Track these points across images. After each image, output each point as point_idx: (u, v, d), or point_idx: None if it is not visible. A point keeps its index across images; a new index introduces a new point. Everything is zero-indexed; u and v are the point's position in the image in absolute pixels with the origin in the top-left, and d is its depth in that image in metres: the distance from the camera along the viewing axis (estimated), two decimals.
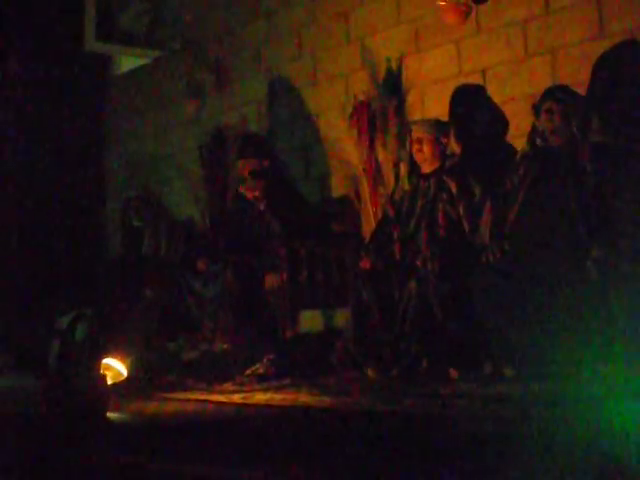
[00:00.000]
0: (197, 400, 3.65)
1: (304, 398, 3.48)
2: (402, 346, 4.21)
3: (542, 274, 3.79)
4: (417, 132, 4.51)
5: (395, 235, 4.49)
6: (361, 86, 5.26)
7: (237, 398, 3.64)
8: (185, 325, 5.03)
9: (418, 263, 4.23)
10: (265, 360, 4.35)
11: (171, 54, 6.72)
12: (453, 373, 4.09)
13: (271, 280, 4.75)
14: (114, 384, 3.36)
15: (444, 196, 4.38)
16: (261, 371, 4.29)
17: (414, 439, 2.45)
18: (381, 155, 5.09)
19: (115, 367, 3.37)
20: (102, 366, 3.16)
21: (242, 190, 4.88)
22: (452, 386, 3.77)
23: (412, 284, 4.18)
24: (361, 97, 5.04)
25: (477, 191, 4.34)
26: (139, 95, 7.03)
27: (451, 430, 2.57)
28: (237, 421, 3.07)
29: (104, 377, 3.10)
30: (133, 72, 7.19)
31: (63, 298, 5.81)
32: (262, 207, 4.84)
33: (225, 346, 4.66)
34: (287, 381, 4.14)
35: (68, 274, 6.67)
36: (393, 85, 5.04)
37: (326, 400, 3.38)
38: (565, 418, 2.67)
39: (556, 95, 3.97)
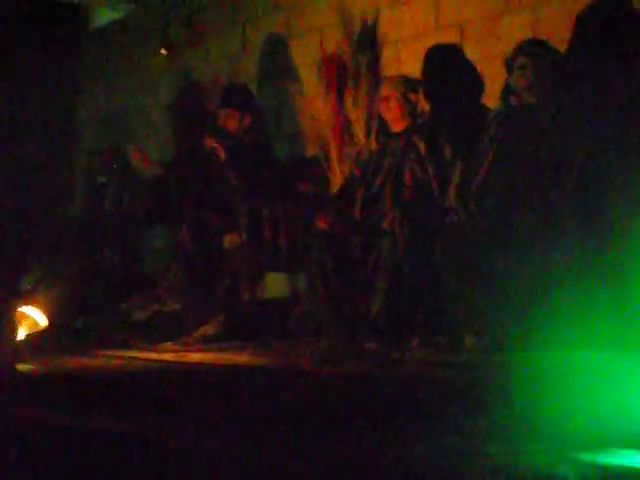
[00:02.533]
0: (125, 357, 3.45)
1: (241, 358, 3.27)
2: (369, 312, 3.99)
3: (508, 238, 3.58)
4: (385, 89, 4.27)
5: (359, 195, 4.26)
6: (336, 41, 5.01)
7: (169, 356, 3.43)
8: (139, 284, 4.82)
9: (384, 225, 4.02)
10: (216, 322, 4.13)
11: (146, 8, 6.46)
12: (414, 341, 3.89)
13: (230, 239, 4.53)
14: (31, 334, 3.15)
15: (412, 156, 4.15)
16: (210, 332, 4.07)
17: (335, 399, 2.25)
18: (353, 114, 4.84)
19: (32, 316, 3.15)
20: (18, 315, 2.94)
21: (208, 141, 4.61)
22: (408, 352, 3.58)
23: (384, 245, 3.96)
24: (331, 51, 4.78)
25: (447, 151, 4.11)
26: (113, 49, 6.78)
27: (377, 391, 2.37)
28: (148, 377, 2.87)
29: (13, 327, 2.87)
30: (107, 26, 6.94)
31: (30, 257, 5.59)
32: (222, 158, 4.57)
33: (177, 306, 4.45)
34: (236, 344, 3.93)
35: (36, 233, 6.45)
36: (367, 40, 4.79)
37: (263, 361, 3.17)
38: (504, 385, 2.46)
39: (530, 50, 3.74)
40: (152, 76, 6.35)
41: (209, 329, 4.09)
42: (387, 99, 4.23)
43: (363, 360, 3.32)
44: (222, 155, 4.53)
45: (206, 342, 3.97)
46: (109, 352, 3.68)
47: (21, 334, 3.05)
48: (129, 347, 3.91)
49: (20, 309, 3.02)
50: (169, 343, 3.94)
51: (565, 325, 3.30)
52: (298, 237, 4.66)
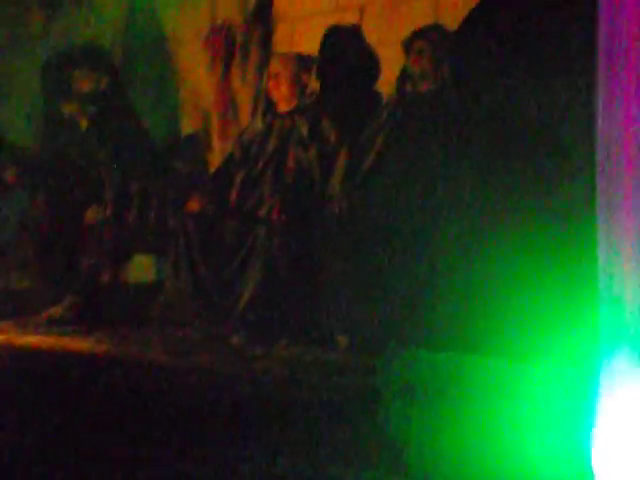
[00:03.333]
0: None
1: (81, 345, 2.87)
2: (238, 304, 3.65)
3: (390, 233, 3.32)
4: (275, 66, 3.95)
5: (238, 178, 3.92)
6: (229, 12, 4.65)
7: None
8: None
9: (262, 212, 3.70)
10: (67, 303, 3.70)
11: None
12: (282, 342, 3.58)
13: (92, 214, 4.11)
14: None
15: (296, 138, 3.84)
16: (58, 314, 3.64)
17: (172, 393, 1.92)
18: (242, 91, 4.50)
19: None
20: None
21: (66, 106, 4.19)
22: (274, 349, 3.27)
23: (260, 233, 3.62)
24: (220, 21, 4.42)
25: (332, 136, 3.81)
26: None
27: (224, 389, 2.04)
28: None
29: None
30: None
31: None
32: (84, 126, 4.15)
33: (27, 283, 3.99)
34: (82, 328, 3.51)
35: None
36: (262, 13, 4.45)
37: (105, 349, 2.78)
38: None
39: (428, 35, 3.50)
40: (29, 36, 5.82)
41: (57, 311, 3.66)
42: (276, 77, 3.91)
43: (221, 355, 2.98)
44: (83, 122, 4.11)
45: (51, 325, 3.54)
46: None
47: None
48: None
49: None
50: (9, 322, 3.48)
51: (451, 327, 3.06)
52: (169, 217, 4.28)
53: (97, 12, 5.39)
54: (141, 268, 4.64)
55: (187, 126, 4.79)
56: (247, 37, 4.43)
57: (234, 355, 3.10)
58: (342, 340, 3.42)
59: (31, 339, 3.02)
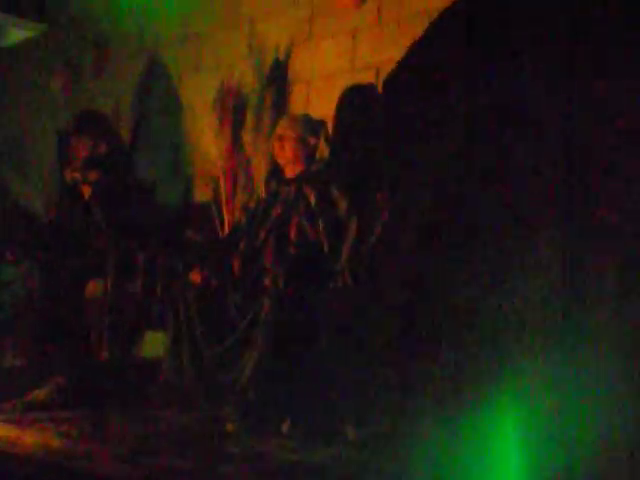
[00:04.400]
0: None
1: (23, 440, 2.58)
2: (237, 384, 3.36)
3: (394, 310, 2.99)
4: (280, 128, 3.70)
5: (240, 248, 3.66)
6: (247, 77, 4.46)
7: None
8: None
9: (266, 282, 3.41)
10: (53, 384, 3.44)
11: (57, 29, 5.89)
12: (285, 426, 3.26)
13: (92, 288, 3.89)
14: None
15: (301, 207, 3.56)
16: (41, 398, 3.38)
17: None
18: (255, 158, 4.27)
19: None
20: None
21: (68, 174, 4.03)
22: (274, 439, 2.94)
23: (260, 308, 3.34)
24: (231, 84, 4.21)
25: (342, 205, 3.53)
26: (17, 70, 6.18)
27: None
28: None
29: None
30: (18, 45, 6.34)
31: None
32: (87, 196, 3.98)
33: (17, 361, 3.76)
34: (68, 414, 3.23)
35: None
36: (277, 75, 4.25)
37: (52, 446, 2.49)
38: None
39: None
40: (52, 100, 5.76)
41: (42, 393, 3.40)
42: (282, 139, 3.66)
43: (203, 448, 2.66)
44: (85, 189, 3.93)
45: (31, 410, 3.27)
46: None
47: None
48: None
49: None
50: None
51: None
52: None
53: (115, 79, 5.30)
54: (156, 341, 4.40)
55: (201, 194, 4.58)
56: (260, 99, 4.20)
57: (219, 449, 2.74)
58: (351, 432, 3.08)
59: None
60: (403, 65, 2.98)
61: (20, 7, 6.06)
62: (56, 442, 2.56)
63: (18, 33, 6.39)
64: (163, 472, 2.24)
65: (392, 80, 3.09)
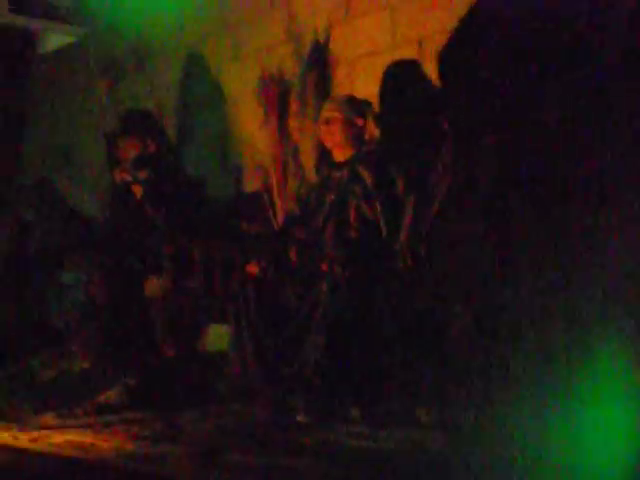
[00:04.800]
0: None
1: (105, 445, 2.58)
2: (301, 375, 3.33)
3: (457, 290, 2.93)
4: (326, 111, 3.64)
5: (296, 237, 3.62)
6: (286, 62, 4.42)
7: (25, 438, 2.76)
8: (50, 337, 4.18)
9: (323, 266, 3.37)
10: (121, 386, 3.46)
11: (96, 32, 5.90)
12: (355, 412, 3.23)
13: (152, 286, 3.90)
14: None
15: (357, 190, 3.51)
16: (111, 400, 3.40)
17: None
18: (302, 143, 4.22)
19: None
20: None
21: (117, 174, 4.03)
22: (335, 431, 2.90)
23: (321, 295, 3.30)
24: (272, 71, 4.16)
25: (399, 184, 3.47)
26: (60, 76, 6.22)
27: None
28: None
29: None
30: (58, 51, 6.38)
31: None
32: (138, 196, 3.98)
33: (86, 365, 3.79)
34: (138, 415, 3.25)
35: None
36: (317, 58, 4.18)
37: (126, 450, 2.48)
38: None
39: None
40: (96, 103, 5.78)
41: (110, 396, 3.42)
42: (328, 122, 3.61)
43: (275, 441, 2.63)
44: (137, 189, 3.94)
45: (102, 412, 3.30)
46: None
47: None
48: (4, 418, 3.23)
49: None
50: (51, 415, 3.26)
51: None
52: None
53: (157, 76, 5.29)
54: (219, 335, 4.40)
55: (250, 185, 4.55)
56: (303, 84, 4.15)
57: (294, 442, 2.69)
58: (423, 415, 3.03)
59: (59, 439, 2.75)
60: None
61: (59, 12, 6.09)
62: (130, 445, 2.57)
63: (58, 38, 6.44)
64: (238, 470, 2.23)
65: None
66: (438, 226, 3.15)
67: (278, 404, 3.35)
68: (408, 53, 3.97)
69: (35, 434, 2.84)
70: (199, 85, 5.01)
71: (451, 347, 2.81)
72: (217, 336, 4.33)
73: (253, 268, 3.58)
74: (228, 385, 3.63)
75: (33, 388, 3.82)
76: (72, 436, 2.78)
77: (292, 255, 3.56)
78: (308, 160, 4.16)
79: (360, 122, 3.62)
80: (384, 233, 3.43)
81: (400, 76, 3.96)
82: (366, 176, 3.51)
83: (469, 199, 3.08)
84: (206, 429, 2.95)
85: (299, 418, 3.17)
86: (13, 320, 4.51)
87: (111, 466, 2.26)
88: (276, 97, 4.09)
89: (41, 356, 4.06)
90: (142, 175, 3.96)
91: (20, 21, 6.09)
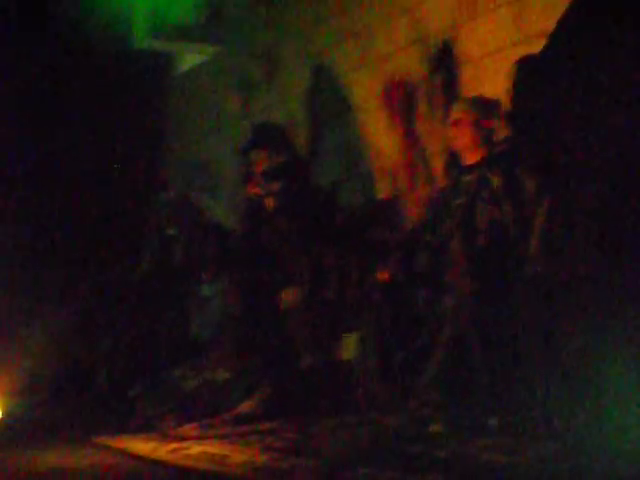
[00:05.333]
0: (114, 449, 2.89)
1: (236, 458, 2.60)
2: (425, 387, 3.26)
3: (595, 302, 2.76)
4: (455, 113, 3.56)
5: (425, 242, 3.56)
6: (412, 66, 4.36)
7: (165, 450, 2.83)
8: (192, 349, 4.30)
9: (449, 277, 3.30)
10: (257, 397, 3.51)
11: (227, 49, 6.06)
12: (493, 421, 3.13)
13: (288, 296, 3.94)
14: None
15: (486, 194, 3.40)
16: (246, 410, 3.45)
17: None
18: (431, 146, 4.16)
19: None
20: None
21: (250, 188, 4.10)
22: (471, 444, 2.79)
23: (448, 303, 3.24)
24: (396, 76, 4.11)
25: (529, 187, 3.34)
26: (195, 93, 6.43)
27: None
28: None
29: None
30: (192, 70, 6.60)
31: None
32: (271, 208, 4.03)
33: (227, 375, 3.86)
34: (273, 425, 3.28)
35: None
36: (443, 59, 4.10)
37: (257, 463, 2.49)
38: None
39: None
40: (231, 119, 5.93)
41: (246, 406, 3.47)
42: (456, 124, 3.52)
43: (408, 454, 2.57)
44: (270, 202, 3.98)
45: (239, 423, 3.35)
46: (105, 439, 3.16)
47: None
48: (148, 429, 3.34)
49: None
50: (192, 425, 3.34)
51: None
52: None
53: (286, 88, 5.36)
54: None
55: (380, 191, 4.52)
56: (429, 87, 4.08)
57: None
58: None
59: (197, 450, 2.81)
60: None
61: (194, 33, 6.29)
62: (262, 458, 2.58)
63: (193, 58, 6.66)
64: None
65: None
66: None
67: (411, 413, 3.30)
68: (537, 48, 3.82)
69: (175, 445, 2.92)
70: (327, 94, 5.03)
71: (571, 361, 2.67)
72: (353, 345, 4.33)
73: (383, 274, 3.54)
74: (359, 394, 3.61)
75: (176, 400, 3.93)
76: (209, 447, 2.84)
77: (422, 261, 3.50)
78: (438, 164, 4.08)
79: (489, 123, 3.51)
80: (514, 240, 3.31)
81: (529, 72, 3.82)
82: (494, 179, 3.40)
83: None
84: (337, 440, 2.92)
85: (432, 428, 3.10)
86: (157, 333, 4.67)
87: None
88: (401, 102, 4.03)
89: (183, 368, 4.17)
90: (274, 187, 4.01)
91: (158, 45, 6.35)
